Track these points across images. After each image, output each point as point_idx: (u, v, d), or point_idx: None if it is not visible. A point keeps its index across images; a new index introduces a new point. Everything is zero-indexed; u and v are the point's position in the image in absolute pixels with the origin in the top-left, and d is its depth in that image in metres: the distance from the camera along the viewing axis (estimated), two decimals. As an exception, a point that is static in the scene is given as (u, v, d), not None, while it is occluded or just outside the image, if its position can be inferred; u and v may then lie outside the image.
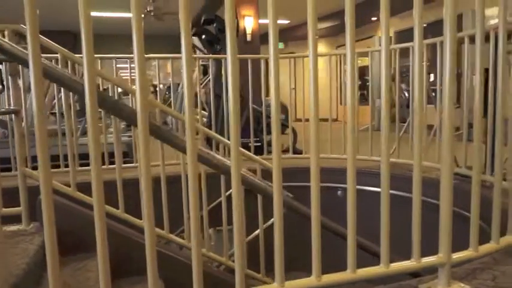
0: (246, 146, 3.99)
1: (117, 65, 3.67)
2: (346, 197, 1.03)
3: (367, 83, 9.99)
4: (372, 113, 4.26)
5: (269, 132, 4.61)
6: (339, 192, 3.53)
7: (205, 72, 7.59)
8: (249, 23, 6.61)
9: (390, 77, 1.23)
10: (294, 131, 4.65)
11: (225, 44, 3.85)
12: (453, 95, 1.08)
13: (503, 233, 1.31)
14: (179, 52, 0.89)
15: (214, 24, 4.90)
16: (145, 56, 0.91)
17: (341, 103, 11.94)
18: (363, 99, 10.44)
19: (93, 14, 0.85)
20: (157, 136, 1.93)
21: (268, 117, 4.17)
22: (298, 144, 4.76)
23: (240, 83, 0.94)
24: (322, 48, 11.88)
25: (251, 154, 2.60)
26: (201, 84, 7.77)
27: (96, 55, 0.97)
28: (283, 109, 4.74)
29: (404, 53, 3.42)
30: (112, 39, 10.01)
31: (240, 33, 6.40)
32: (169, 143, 1.94)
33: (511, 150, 1.38)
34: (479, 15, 1.19)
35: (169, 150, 2.16)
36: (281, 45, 12.03)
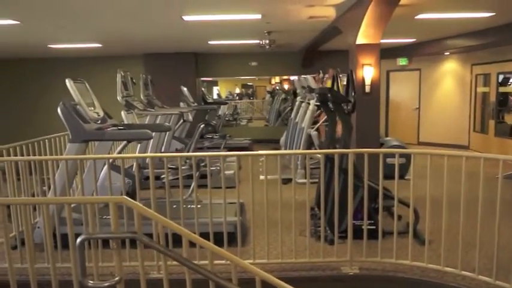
0: (358, 229, 3.66)
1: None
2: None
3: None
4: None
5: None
6: None
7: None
8: (368, 73, 6.01)
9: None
10: (415, 212, 3.82)
11: (339, 109, 4.40)
12: None
13: None
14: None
15: (329, 95, 5.15)
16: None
17: (474, 129, 10.23)
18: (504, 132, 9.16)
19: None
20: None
21: (388, 197, 3.81)
22: (420, 225, 4.02)
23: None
24: (453, 65, 10.63)
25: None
26: (315, 124, 7.53)
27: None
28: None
29: None
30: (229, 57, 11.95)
31: (358, 84, 5.89)
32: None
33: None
34: None
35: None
36: (405, 61, 11.40)
